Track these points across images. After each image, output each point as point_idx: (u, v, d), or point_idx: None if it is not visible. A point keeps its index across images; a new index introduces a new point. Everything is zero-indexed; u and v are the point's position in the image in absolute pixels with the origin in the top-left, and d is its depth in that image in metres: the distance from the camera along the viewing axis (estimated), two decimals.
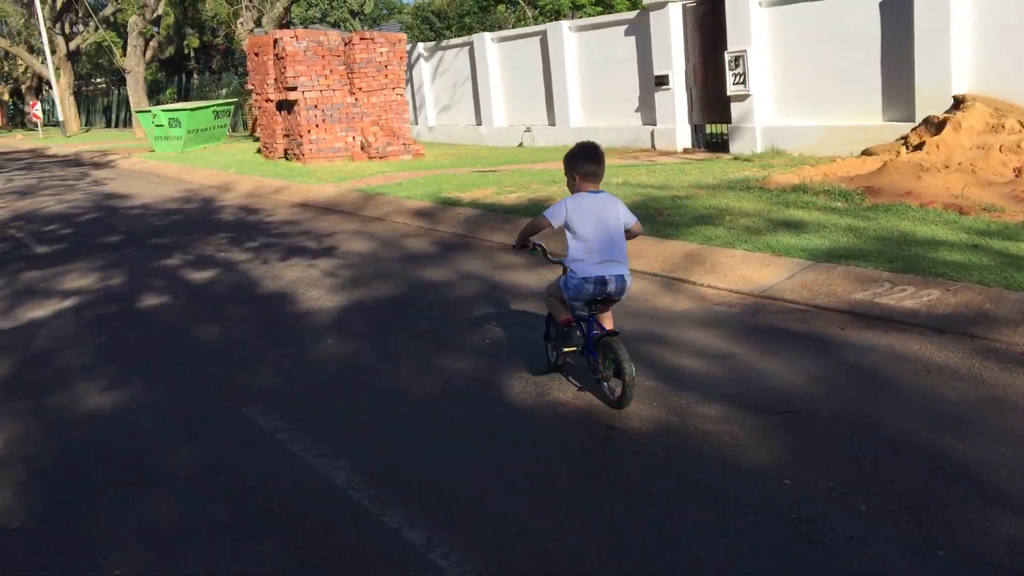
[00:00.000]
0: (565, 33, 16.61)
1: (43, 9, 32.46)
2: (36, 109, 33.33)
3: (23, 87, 47.56)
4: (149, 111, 20.20)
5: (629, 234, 3.97)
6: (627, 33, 15.45)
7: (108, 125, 43.30)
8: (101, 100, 45.25)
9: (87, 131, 37.23)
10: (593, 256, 3.82)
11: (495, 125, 19.15)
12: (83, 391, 4.66)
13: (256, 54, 15.72)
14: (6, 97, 51.83)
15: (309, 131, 14.53)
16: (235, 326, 5.84)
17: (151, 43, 30.39)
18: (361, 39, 15.23)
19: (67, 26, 36.84)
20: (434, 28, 31.36)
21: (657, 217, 7.49)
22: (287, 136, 15.14)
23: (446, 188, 10.50)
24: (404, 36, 15.90)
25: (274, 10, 19.27)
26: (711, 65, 13.96)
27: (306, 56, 14.46)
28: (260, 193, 12.46)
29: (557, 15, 23.45)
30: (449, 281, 6.63)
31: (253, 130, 28.72)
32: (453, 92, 20.48)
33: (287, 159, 15.41)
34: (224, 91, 33.99)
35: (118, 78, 47.28)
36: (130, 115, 42.12)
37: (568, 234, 3.88)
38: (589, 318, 3.97)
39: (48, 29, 32.49)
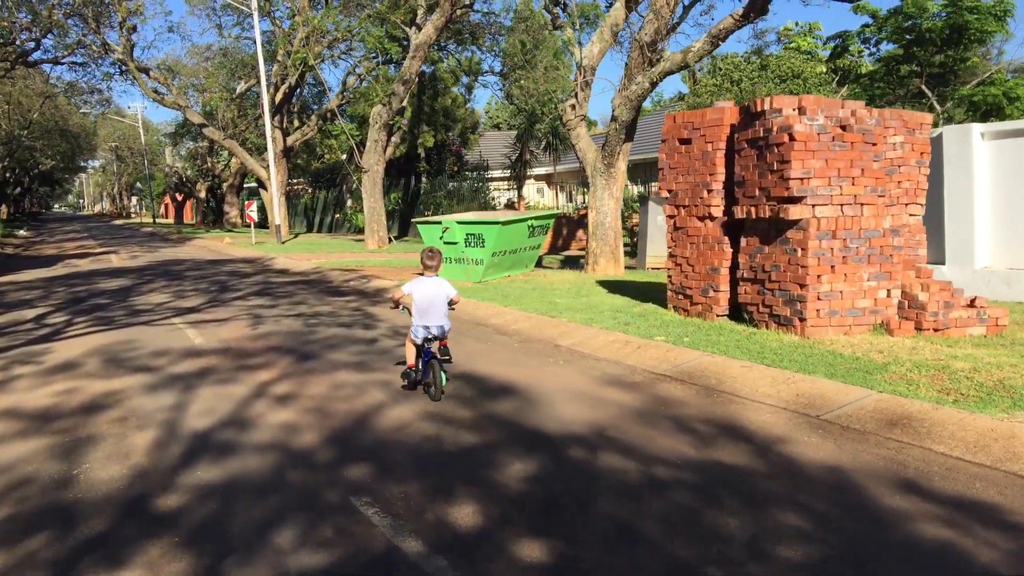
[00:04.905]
0: None
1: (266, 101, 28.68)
2: (252, 210, 29.09)
3: (224, 184, 44.94)
4: (438, 222, 14.39)
5: (452, 303, 6.39)
6: None
7: (309, 229, 39.41)
8: (303, 201, 41.79)
9: (295, 236, 32.98)
10: (419, 313, 6.33)
11: (975, 266, 12.17)
12: None
13: (683, 141, 9.49)
14: (203, 195, 49.71)
15: (820, 276, 7.96)
16: None
17: (392, 138, 25.58)
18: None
19: (283, 120, 33.25)
20: None
21: None
22: (752, 282, 8.47)
23: None
24: (928, 118, 9.34)
25: (632, 87, 13.36)
26: None
27: (821, 144, 8.05)
28: (828, 417, 5.68)
29: (975, 111, 16.62)
30: None
31: None
32: None
33: (744, 321, 8.72)
34: (440, 194, 28.88)
35: (316, 179, 43.87)
36: (335, 219, 38.04)
37: (412, 300, 6.39)
38: (427, 349, 6.31)
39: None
